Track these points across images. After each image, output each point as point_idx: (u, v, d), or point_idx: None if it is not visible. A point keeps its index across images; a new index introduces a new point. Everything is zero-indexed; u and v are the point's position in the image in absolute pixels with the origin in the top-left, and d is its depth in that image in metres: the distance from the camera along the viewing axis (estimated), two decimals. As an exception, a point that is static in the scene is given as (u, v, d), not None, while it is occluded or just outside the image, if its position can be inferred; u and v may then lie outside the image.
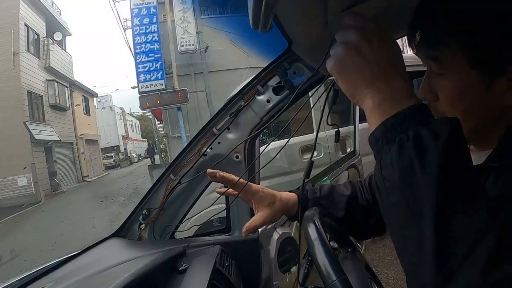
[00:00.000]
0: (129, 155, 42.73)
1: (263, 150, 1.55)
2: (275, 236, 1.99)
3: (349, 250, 1.35)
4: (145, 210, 1.77)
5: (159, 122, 17.09)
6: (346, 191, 1.38)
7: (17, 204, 17.71)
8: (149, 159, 32.25)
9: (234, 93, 1.73)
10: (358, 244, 3.35)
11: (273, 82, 1.65)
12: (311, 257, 0.96)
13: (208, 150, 1.72)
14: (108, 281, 1.18)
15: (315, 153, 5.90)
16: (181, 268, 1.50)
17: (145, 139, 53.09)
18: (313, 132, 5.87)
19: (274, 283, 1.91)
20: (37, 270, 1.43)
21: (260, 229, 1.91)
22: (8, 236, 12.92)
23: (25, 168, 18.49)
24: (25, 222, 15.54)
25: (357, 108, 3.91)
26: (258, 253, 1.85)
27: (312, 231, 0.99)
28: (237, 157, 1.73)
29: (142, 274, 1.29)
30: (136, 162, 40.69)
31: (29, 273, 1.39)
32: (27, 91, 21.34)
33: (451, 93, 0.85)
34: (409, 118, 0.68)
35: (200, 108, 13.90)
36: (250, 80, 1.66)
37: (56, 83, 24.04)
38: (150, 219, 1.77)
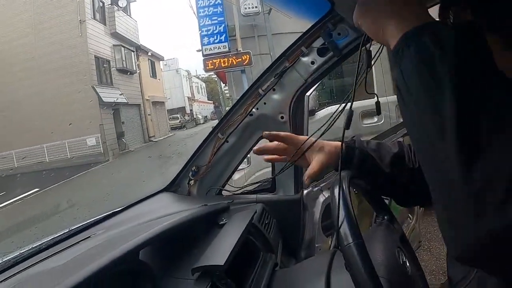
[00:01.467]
0: (194, 116, 43.28)
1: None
2: (321, 199, 1.99)
3: (385, 217, 1.34)
4: (194, 167, 1.82)
5: (224, 84, 17.14)
6: (393, 149, 1.33)
7: (86, 162, 18.63)
8: (214, 120, 32.40)
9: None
10: (409, 214, 3.28)
11: (318, 43, 1.63)
12: (332, 219, 0.96)
13: (254, 110, 1.74)
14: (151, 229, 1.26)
15: (375, 119, 5.77)
16: (221, 222, 1.55)
17: (211, 101, 53.51)
18: (373, 98, 5.75)
19: (317, 245, 1.92)
20: (89, 221, 1.51)
21: (305, 191, 1.94)
22: (70, 190, 13.67)
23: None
24: (91, 178, 16.33)
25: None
26: (300, 214, 1.87)
27: (337, 193, 0.99)
28: (282, 117, 1.74)
29: (181, 224, 1.35)
30: (202, 123, 40.86)
31: (81, 224, 1.47)
32: (95, 57, 22.25)
33: None
34: (426, 26, 0.71)
35: (265, 71, 13.70)
36: (294, 42, 1.65)
37: (122, 48, 24.77)
38: (199, 176, 1.83)
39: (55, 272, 1.06)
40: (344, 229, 0.90)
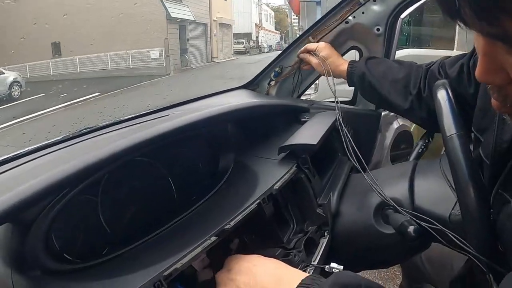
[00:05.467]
0: (259, 44, 43.22)
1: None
2: (395, 125, 1.96)
3: None
4: (278, 68, 1.80)
5: (295, 16, 16.72)
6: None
7: (148, 74, 19.18)
8: (278, 51, 32.29)
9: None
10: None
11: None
12: (437, 113, 0.96)
13: (350, 17, 1.68)
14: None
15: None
16: (303, 119, 1.57)
17: (278, 31, 53.06)
18: (453, 49, 5.58)
19: None
20: (166, 105, 1.52)
21: (382, 113, 1.91)
22: (131, 97, 14.13)
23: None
24: (151, 89, 16.79)
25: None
26: (375, 132, 1.86)
27: (441, 93, 0.98)
28: (378, 29, 1.68)
29: (265, 107, 1.38)
30: (266, 52, 40.93)
31: (161, 107, 1.49)
32: (166, -30, 22.09)
33: None
34: None
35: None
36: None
37: (195, -36, 24.48)
38: (281, 77, 1.82)
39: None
40: (448, 121, 0.90)
